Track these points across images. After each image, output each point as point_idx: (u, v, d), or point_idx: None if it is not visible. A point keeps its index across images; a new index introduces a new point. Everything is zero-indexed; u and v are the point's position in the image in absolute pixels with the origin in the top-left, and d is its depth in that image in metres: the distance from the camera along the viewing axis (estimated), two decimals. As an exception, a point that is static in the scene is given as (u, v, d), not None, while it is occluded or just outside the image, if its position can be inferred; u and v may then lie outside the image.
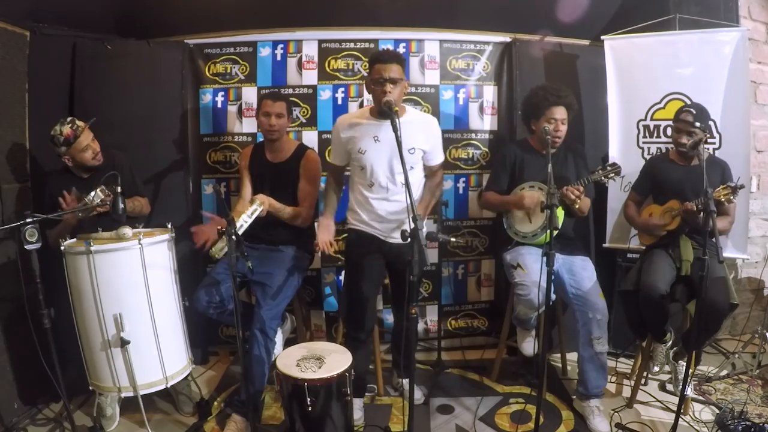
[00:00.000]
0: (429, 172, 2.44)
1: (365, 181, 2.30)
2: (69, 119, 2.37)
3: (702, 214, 2.13)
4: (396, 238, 2.31)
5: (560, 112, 2.44)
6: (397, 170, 2.25)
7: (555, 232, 2.38)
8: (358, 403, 2.46)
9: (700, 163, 2.16)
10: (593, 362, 2.36)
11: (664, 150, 2.82)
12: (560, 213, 2.41)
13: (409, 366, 2.14)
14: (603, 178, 2.38)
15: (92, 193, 2.20)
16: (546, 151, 2.25)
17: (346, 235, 2.48)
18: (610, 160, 2.86)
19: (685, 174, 2.46)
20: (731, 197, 2.18)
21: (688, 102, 2.75)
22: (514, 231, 2.54)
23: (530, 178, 2.53)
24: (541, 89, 2.49)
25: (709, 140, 2.46)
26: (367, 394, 2.64)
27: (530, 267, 2.36)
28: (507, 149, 2.67)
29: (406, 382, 2.49)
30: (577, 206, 2.38)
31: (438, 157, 2.42)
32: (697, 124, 2.36)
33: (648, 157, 2.84)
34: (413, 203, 1.78)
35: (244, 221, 2.16)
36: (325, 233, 2.38)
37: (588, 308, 2.34)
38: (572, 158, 2.58)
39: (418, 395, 2.58)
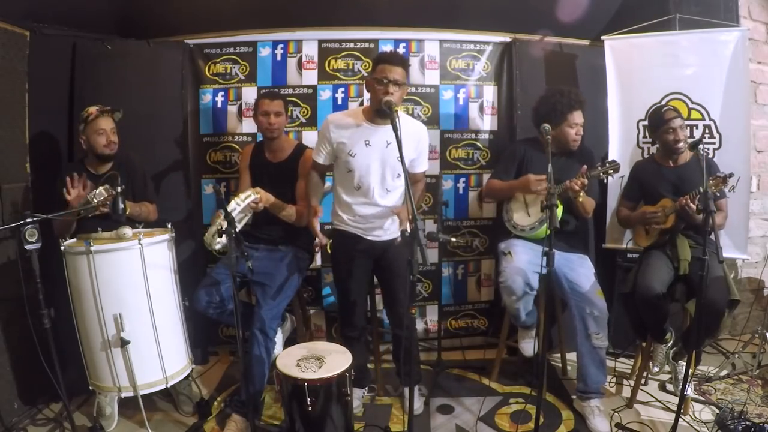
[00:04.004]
0: (411, 180, 2.38)
1: (351, 184, 2.27)
2: (108, 106, 2.47)
3: (702, 214, 2.13)
4: (377, 235, 2.33)
5: (580, 116, 2.47)
6: (387, 176, 2.26)
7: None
8: (357, 393, 2.50)
9: (700, 162, 2.17)
10: (592, 357, 2.36)
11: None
12: (558, 209, 2.41)
13: (409, 373, 2.11)
14: (602, 174, 2.38)
15: (95, 191, 2.20)
16: (546, 150, 2.23)
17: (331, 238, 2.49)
18: (610, 159, 2.86)
19: (673, 174, 2.49)
20: (723, 187, 2.19)
21: (689, 102, 2.75)
22: (513, 224, 2.55)
23: (536, 173, 2.52)
24: (558, 93, 2.47)
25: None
26: (367, 393, 2.65)
27: (517, 255, 2.37)
28: (517, 145, 2.70)
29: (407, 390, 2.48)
30: (580, 200, 2.38)
31: (422, 165, 2.39)
32: (682, 116, 2.43)
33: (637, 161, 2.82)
34: (413, 204, 1.77)
35: (236, 204, 2.15)
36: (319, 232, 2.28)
37: (585, 303, 2.35)
38: (582, 158, 2.56)
39: (418, 404, 2.51)
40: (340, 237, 2.38)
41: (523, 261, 2.26)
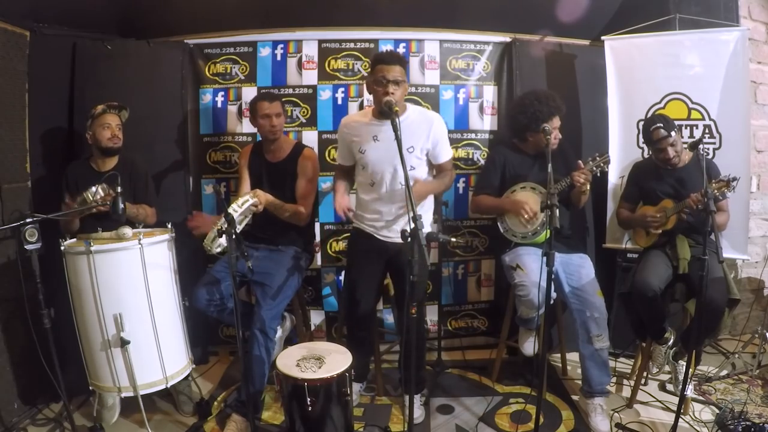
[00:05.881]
0: (438, 171, 2.42)
1: (367, 180, 2.34)
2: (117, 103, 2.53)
3: (703, 213, 2.13)
4: (390, 237, 2.34)
5: (557, 121, 2.47)
6: (398, 171, 2.25)
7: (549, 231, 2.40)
8: (354, 387, 2.51)
9: (700, 162, 2.18)
10: (594, 360, 2.36)
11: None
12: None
13: (409, 378, 2.04)
14: (594, 168, 2.39)
15: (93, 188, 2.20)
16: (546, 151, 2.23)
17: (348, 234, 2.51)
18: (611, 161, 2.86)
19: (672, 175, 2.48)
20: (725, 191, 2.19)
21: (689, 102, 2.75)
22: (512, 233, 2.54)
23: (521, 179, 2.54)
24: (536, 100, 2.46)
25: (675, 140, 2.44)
26: (367, 394, 2.65)
27: (529, 267, 2.36)
28: (495, 151, 2.70)
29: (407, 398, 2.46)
30: (585, 192, 2.39)
31: (444, 154, 2.37)
32: (673, 133, 2.39)
33: (636, 162, 2.82)
34: (413, 203, 1.78)
35: (233, 210, 2.16)
36: (342, 198, 2.38)
37: (585, 306, 2.35)
38: (561, 156, 2.58)
39: (419, 413, 2.47)
40: (357, 234, 2.43)
41: (536, 272, 2.23)
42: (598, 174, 2.44)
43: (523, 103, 2.52)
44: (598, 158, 2.39)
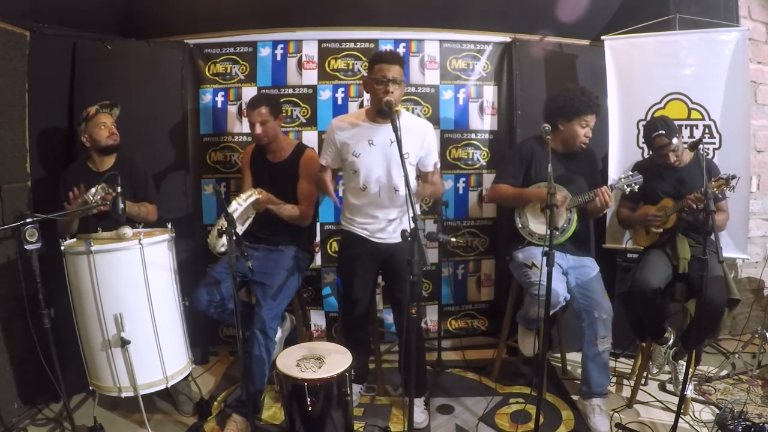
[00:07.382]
0: (428, 177, 2.39)
1: (358, 185, 2.29)
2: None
3: (702, 213, 2.13)
4: (382, 238, 2.33)
5: (593, 119, 2.47)
6: (393, 174, 2.25)
7: (569, 234, 2.40)
8: (356, 388, 2.51)
9: (700, 162, 2.18)
10: (596, 361, 2.36)
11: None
12: (574, 220, 2.42)
13: (409, 380, 1.92)
14: (625, 186, 2.38)
15: (93, 189, 2.21)
16: (546, 150, 2.23)
17: (339, 237, 2.49)
18: (610, 162, 2.87)
19: (673, 175, 2.48)
20: (725, 189, 2.19)
21: (689, 102, 2.75)
22: (529, 231, 2.50)
23: (545, 176, 2.51)
24: (580, 92, 2.45)
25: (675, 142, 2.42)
26: (367, 394, 2.65)
27: (544, 266, 2.35)
28: (524, 144, 2.64)
29: (415, 400, 2.40)
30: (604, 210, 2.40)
31: (433, 160, 2.37)
32: (674, 140, 2.37)
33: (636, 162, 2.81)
34: (413, 203, 1.77)
35: (238, 204, 2.16)
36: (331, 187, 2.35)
37: (594, 307, 2.35)
38: (588, 160, 2.58)
39: (421, 419, 2.41)
40: (347, 238, 2.39)
41: (553, 272, 2.23)
42: (627, 191, 2.42)
43: (566, 88, 2.52)
44: (630, 176, 2.38)
